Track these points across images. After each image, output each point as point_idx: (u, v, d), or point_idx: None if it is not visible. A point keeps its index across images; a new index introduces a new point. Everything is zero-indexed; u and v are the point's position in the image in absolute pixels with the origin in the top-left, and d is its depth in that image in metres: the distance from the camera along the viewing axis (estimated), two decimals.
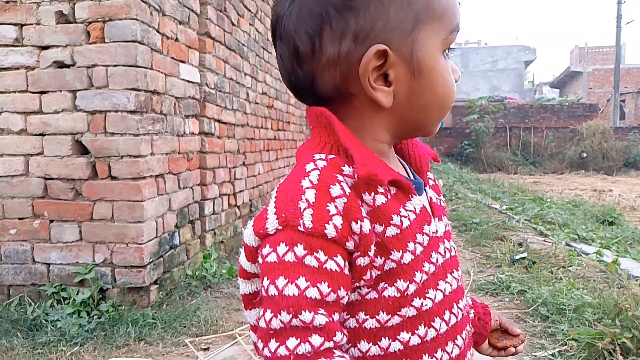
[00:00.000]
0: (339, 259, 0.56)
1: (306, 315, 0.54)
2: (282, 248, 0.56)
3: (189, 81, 3.59)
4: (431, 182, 0.76)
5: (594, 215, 6.97)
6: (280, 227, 0.57)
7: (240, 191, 4.73)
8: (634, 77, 32.72)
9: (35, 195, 2.98)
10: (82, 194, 2.96)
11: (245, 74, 4.89)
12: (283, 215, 0.57)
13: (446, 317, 0.65)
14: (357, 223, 0.57)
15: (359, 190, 0.59)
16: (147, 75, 2.97)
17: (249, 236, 0.60)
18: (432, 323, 0.63)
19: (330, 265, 0.56)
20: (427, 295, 0.63)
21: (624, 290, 2.89)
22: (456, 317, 0.67)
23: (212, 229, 4.05)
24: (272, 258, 0.56)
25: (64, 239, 2.98)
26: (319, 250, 0.55)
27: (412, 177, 0.71)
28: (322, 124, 0.64)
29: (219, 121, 4.13)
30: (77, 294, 2.91)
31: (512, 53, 34.53)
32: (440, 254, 0.67)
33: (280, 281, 0.55)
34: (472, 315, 0.82)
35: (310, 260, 0.55)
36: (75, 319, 2.77)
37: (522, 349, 0.87)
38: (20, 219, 3.00)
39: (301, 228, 0.55)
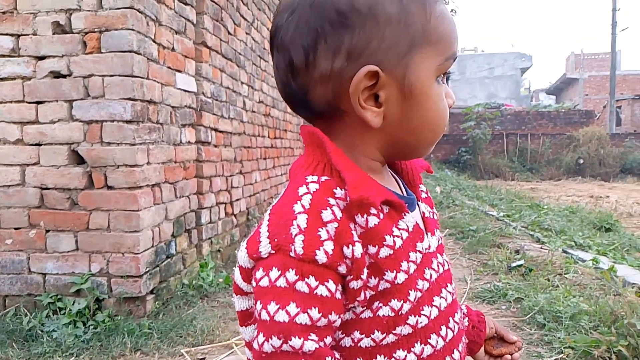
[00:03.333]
0: (331, 284, 0.57)
1: (296, 341, 0.55)
2: (274, 273, 0.57)
3: (185, 90, 3.60)
4: (424, 195, 0.76)
5: (591, 221, 6.99)
6: (273, 252, 0.58)
7: (237, 199, 4.73)
8: (629, 84, 32.88)
9: (32, 205, 2.98)
10: (78, 203, 2.96)
11: (242, 83, 4.91)
12: (275, 240, 0.57)
13: (443, 332, 0.66)
14: (348, 247, 0.58)
15: (351, 212, 0.60)
16: (143, 85, 2.98)
17: (243, 258, 0.61)
18: (429, 340, 0.64)
19: (321, 290, 0.57)
20: (422, 312, 0.63)
21: (620, 298, 2.90)
22: (452, 331, 0.68)
23: (209, 238, 4.04)
24: (264, 282, 0.57)
25: (60, 249, 2.98)
26: (310, 276, 0.56)
27: (404, 192, 0.71)
28: (315, 142, 0.65)
29: (216, 130, 4.13)
30: (73, 304, 2.90)
31: (508, 60, 34.71)
32: (433, 269, 0.67)
33: (272, 306, 0.56)
34: (466, 323, 0.83)
35: (301, 286, 0.56)
36: (71, 329, 2.76)
37: (519, 357, 0.87)
38: (16, 228, 2.99)
39: (292, 254, 0.56)
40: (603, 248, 5.05)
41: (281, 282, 0.56)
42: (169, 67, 3.35)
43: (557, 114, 22.52)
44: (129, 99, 2.88)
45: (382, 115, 0.63)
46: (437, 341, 0.64)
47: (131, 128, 2.90)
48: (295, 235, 0.57)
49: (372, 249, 0.60)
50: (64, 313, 2.87)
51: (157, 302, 3.13)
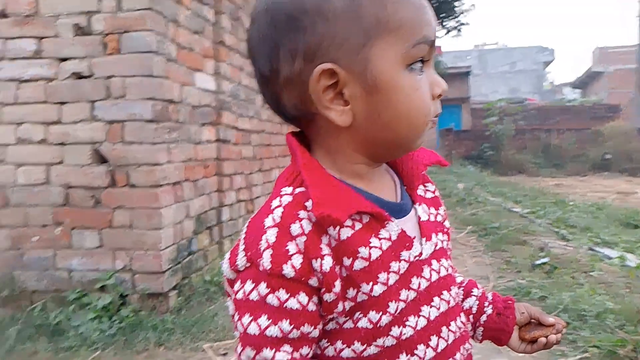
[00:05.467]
0: (302, 297, 0.57)
1: (267, 353, 0.57)
2: (248, 286, 0.58)
3: (204, 90, 3.64)
4: (430, 195, 0.74)
5: (617, 218, 6.82)
6: (247, 265, 0.59)
7: (257, 197, 4.76)
8: None
9: (56, 204, 3.05)
10: (101, 202, 3.01)
11: None
12: (249, 254, 0.59)
13: (432, 342, 0.64)
14: (317, 261, 0.57)
15: (322, 225, 0.58)
16: (162, 85, 3.02)
17: (226, 269, 0.62)
18: (415, 351, 0.62)
19: (292, 304, 0.57)
20: (406, 323, 0.62)
21: None
22: (446, 341, 0.66)
23: (230, 235, 4.08)
24: (240, 295, 0.59)
25: (84, 246, 3.04)
26: (281, 289, 0.57)
27: (400, 196, 0.69)
28: (291, 152, 0.65)
29: (235, 128, 4.16)
30: (98, 299, 2.96)
31: (530, 54, 34.16)
32: (423, 277, 0.65)
33: (246, 319, 0.58)
34: (488, 312, 0.80)
35: (271, 300, 0.57)
36: (96, 324, 2.81)
37: (557, 339, 0.79)
38: (42, 226, 3.06)
39: (261, 268, 0.57)
40: (630, 245, 4.93)
41: (253, 296, 0.57)
42: (188, 67, 3.38)
43: (582, 109, 22.09)
44: (149, 98, 2.92)
45: (351, 114, 0.60)
46: (425, 352, 0.63)
47: (152, 127, 2.94)
48: (264, 250, 0.57)
49: (347, 261, 0.59)
50: (90, 308, 2.93)
51: (179, 298, 3.18)
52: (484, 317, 0.81)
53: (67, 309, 2.93)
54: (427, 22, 0.61)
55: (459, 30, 17.04)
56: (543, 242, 4.80)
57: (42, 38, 2.99)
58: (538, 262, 4.06)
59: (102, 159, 3.01)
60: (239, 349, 0.58)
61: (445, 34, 17.36)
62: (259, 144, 4.78)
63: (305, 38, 0.59)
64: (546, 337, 0.79)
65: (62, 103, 3.00)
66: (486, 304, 0.81)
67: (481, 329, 0.81)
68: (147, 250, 2.99)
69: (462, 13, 16.72)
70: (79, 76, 2.98)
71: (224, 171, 3.93)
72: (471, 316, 0.81)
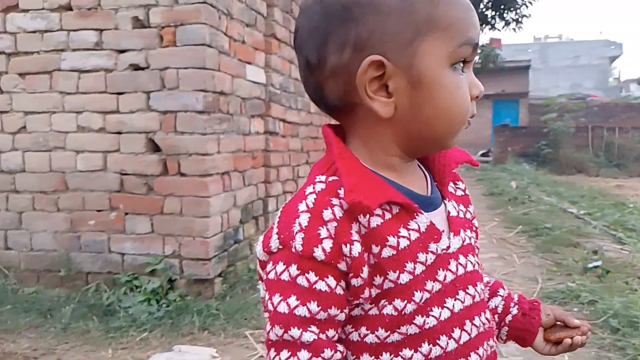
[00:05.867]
0: (330, 280, 0.60)
1: (295, 332, 0.59)
2: (280, 267, 0.61)
3: (254, 82, 3.70)
4: (460, 192, 0.75)
5: None
6: (280, 247, 0.61)
7: None
8: None
9: (112, 189, 3.19)
10: (153, 189, 3.13)
11: None
12: (282, 236, 0.61)
13: (455, 334, 0.65)
14: (346, 246, 0.59)
15: (353, 212, 0.61)
16: (214, 77, 3.09)
17: (259, 251, 0.65)
18: (437, 341, 0.63)
19: (320, 285, 0.59)
20: (430, 313, 0.63)
21: None
22: (469, 334, 0.66)
23: None
24: (272, 275, 0.61)
25: (137, 231, 3.17)
26: (310, 271, 0.59)
27: (430, 191, 0.70)
28: (327, 143, 0.67)
29: (284, 120, 4.22)
30: (148, 283, 3.09)
31: (595, 48, 32.57)
32: (450, 270, 0.66)
33: (276, 298, 0.60)
34: (514, 312, 0.81)
35: (301, 280, 0.59)
36: (145, 307, 2.94)
37: (582, 341, 0.79)
38: (98, 211, 3.22)
39: (293, 250, 0.59)
40: None
41: (285, 276, 0.60)
42: (239, 60, 3.45)
43: None
44: (201, 90, 3.01)
45: (393, 106, 0.62)
46: (447, 343, 0.64)
47: (202, 118, 3.03)
48: (296, 232, 0.60)
49: (375, 249, 0.61)
50: (140, 291, 3.06)
51: (224, 285, 3.27)
52: (509, 317, 0.81)
53: (119, 291, 3.08)
54: (474, 24, 0.64)
55: (520, 22, 16.42)
56: (597, 245, 4.61)
57: (103, 30, 3.13)
58: (590, 265, 3.91)
59: (155, 148, 3.13)
60: (268, 327, 0.61)
61: (505, 27, 16.79)
62: (306, 137, 4.82)
63: (357, 29, 0.61)
64: (571, 338, 0.78)
65: (120, 93, 3.13)
66: (512, 304, 0.82)
67: (506, 328, 0.82)
68: (194, 237, 3.09)
69: (523, 4, 16.10)
70: (136, 67, 3.10)
71: (271, 163, 3.99)
72: (496, 316, 0.82)
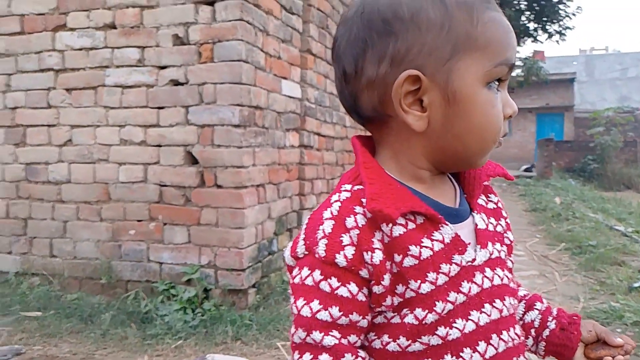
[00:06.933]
0: (352, 286, 0.61)
1: (316, 335, 0.61)
2: (305, 272, 0.63)
3: (290, 96, 3.76)
4: (492, 205, 0.75)
5: None
6: (306, 252, 0.63)
7: None
8: None
9: (152, 200, 3.30)
10: (191, 200, 3.22)
11: None
12: (307, 242, 0.63)
13: (480, 348, 0.64)
14: (367, 253, 0.61)
15: (377, 221, 0.62)
16: (250, 92, 3.17)
17: (287, 256, 0.67)
18: (461, 353, 0.63)
19: (342, 291, 0.61)
20: (453, 325, 0.63)
21: None
22: (495, 348, 0.66)
23: None
24: (297, 280, 0.64)
25: (174, 241, 3.26)
26: (332, 277, 0.61)
27: (458, 203, 0.70)
28: (355, 153, 0.69)
29: (319, 134, 4.26)
30: (184, 292, 3.15)
31: None
32: (475, 283, 0.65)
33: (300, 302, 0.62)
34: (551, 326, 0.79)
35: (324, 286, 0.61)
36: (181, 315, 3.00)
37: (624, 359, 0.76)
38: (138, 221, 3.33)
39: (317, 255, 0.61)
40: None
41: (309, 281, 0.62)
42: (275, 75, 3.52)
43: None
44: (238, 104, 3.09)
45: (427, 120, 0.64)
46: (471, 356, 0.63)
47: (239, 132, 3.10)
48: (320, 239, 0.61)
49: (397, 257, 0.62)
50: (176, 300, 3.13)
51: (258, 296, 3.31)
52: (546, 332, 0.79)
53: (156, 299, 3.16)
54: (512, 45, 0.65)
55: (563, 34, 16.06)
56: None
57: (145, 47, 3.26)
58: (636, 284, 3.75)
59: (193, 160, 3.22)
60: (292, 330, 0.63)
61: (548, 39, 16.45)
62: (341, 150, 4.85)
63: (396, 44, 0.62)
64: (613, 357, 0.75)
65: (160, 108, 3.25)
66: (550, 318, 0.80)
67: (543, 343, 0.79)
68: (230, 248, 3.15)
69: (566, 16, 15.75)
70: (175, 83, 3.22)
71: (306, 175, 4.03)
72: (533, 330, 0.80)
